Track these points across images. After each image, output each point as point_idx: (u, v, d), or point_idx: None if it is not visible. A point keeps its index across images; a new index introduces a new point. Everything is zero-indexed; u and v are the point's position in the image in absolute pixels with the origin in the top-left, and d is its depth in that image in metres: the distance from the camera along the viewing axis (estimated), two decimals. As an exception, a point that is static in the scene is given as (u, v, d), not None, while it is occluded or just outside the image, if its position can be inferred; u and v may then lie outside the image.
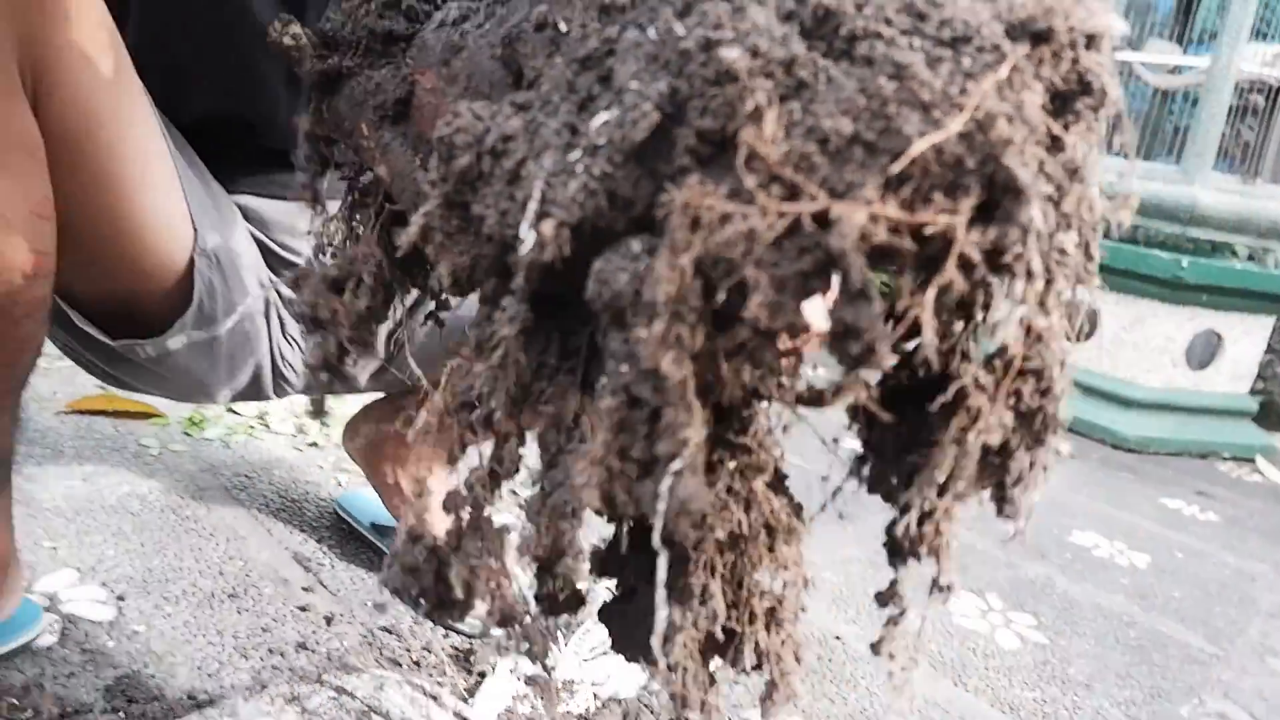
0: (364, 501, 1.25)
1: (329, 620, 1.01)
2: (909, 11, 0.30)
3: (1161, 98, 3.16)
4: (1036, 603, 1.46)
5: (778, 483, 0.42)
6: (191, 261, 0.80)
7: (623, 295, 0.29)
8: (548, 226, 0.31)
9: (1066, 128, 0.30)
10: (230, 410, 1.57)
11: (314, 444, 1.53)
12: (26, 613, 0.86)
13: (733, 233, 0.27)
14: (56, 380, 1.53)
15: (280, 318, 0.93)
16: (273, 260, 0.94)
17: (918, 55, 0.28)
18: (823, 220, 0.27)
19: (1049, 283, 0.30)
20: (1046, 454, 0.35)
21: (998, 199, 0.28)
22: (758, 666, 0.42)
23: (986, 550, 1.67)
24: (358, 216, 0.56)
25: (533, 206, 0.32)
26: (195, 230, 0.80)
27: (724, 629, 0.40)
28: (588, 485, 0.30)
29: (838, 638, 1.20)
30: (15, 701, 0.77)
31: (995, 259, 0.28)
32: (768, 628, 0.41)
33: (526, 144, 0.34)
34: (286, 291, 0.92)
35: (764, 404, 0.40)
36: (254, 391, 0.95)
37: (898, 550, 0.39)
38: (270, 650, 0.94)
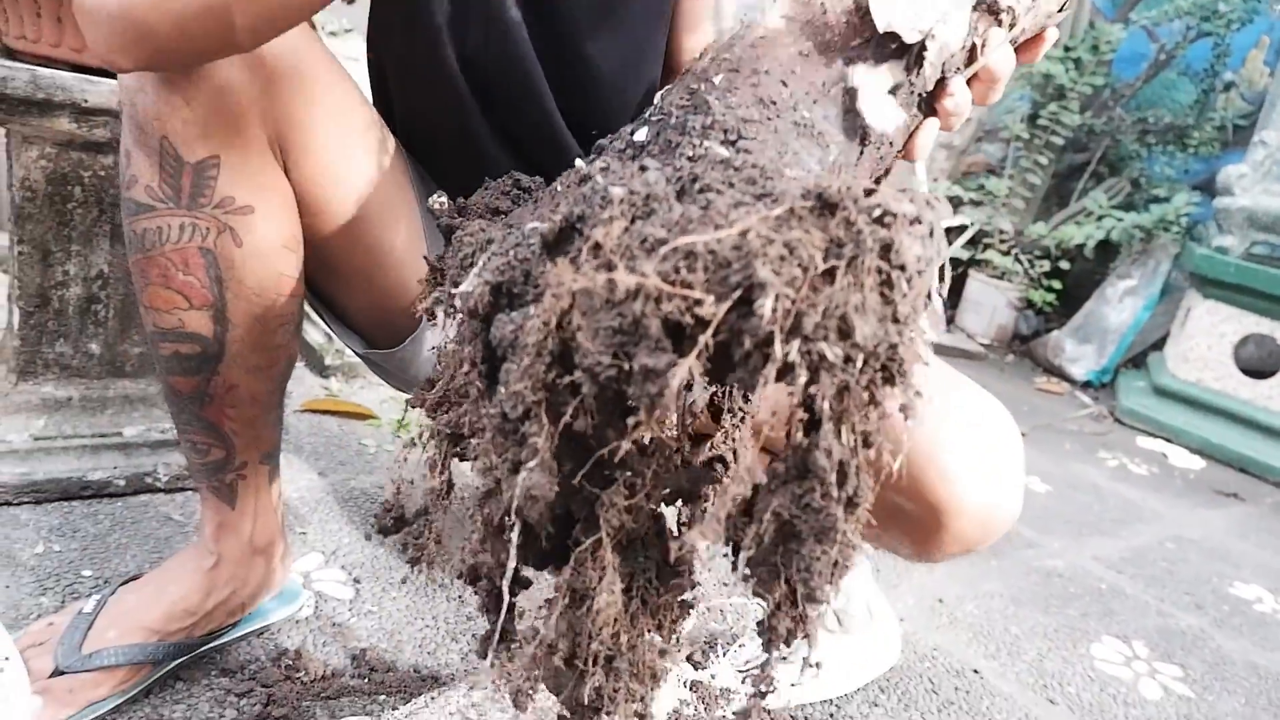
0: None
1: (520, 614, 1.18)
2: (747, 180, 0.44)
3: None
4: (1186, 655, 1.48)
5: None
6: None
7: (506, 340, 0.44)
8: (475, 282, 0.48)
9: (834, 269, 0.40)
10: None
11: (503, 449, 1.72)
12: (293, 588, 1.06)
13: (580, 292, 0.40)
14: (292, 381, 1.78)
15: None
16: None
17: (728, 200, 0.41)
18: (631, 293, 0.39)
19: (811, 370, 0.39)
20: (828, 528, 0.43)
21: (753, 298, 0.38)
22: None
23: (1137, 595, 1.68)
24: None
25: (477, 266, 0.49)
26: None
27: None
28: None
29: (975, 671, 1.28)
30: (291, 663, 0.97)
31: (745, 339, 0.38)
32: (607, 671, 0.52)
33: (498, 241, 0.51)
34: None
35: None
36: None
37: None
38: (474, 636, 1.11)
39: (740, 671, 1.11)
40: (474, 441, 0.52)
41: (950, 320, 3.98)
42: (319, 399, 1.73)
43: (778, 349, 0.38)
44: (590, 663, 0.49)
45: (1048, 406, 3.17)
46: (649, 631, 0.52)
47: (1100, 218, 3.77)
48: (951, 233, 3.89)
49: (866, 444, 0.42)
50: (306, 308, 0.94)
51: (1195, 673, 1.42)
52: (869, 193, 0.42)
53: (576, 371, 0.40)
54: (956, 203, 4.06)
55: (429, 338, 0.99)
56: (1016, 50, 0.63)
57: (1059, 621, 1.50)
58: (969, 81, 0.59)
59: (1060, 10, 0.64)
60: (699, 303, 0.38)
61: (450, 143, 0.97)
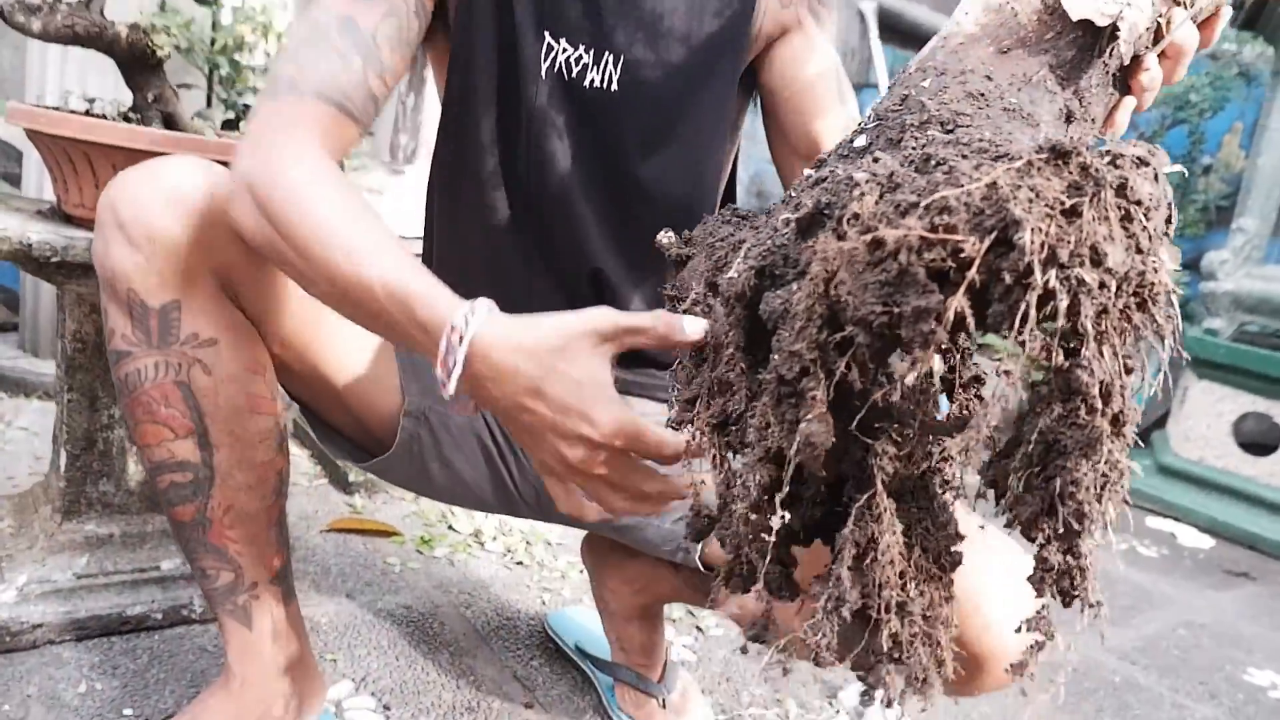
0: (570, 623, 1.46)
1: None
2: (979, 150, 0.49)
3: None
4: (1201, 747, 1.49)
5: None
6: (400, 416, 1.02)
7: (776, 312, 0.50)
8: (740, 268, 0.54)
9: (1079, 205, 0.44)
10: (451, 529, 1.84)
11: (520, 563, 1.76)
12: (325, 719, 1.10)
13: (845, 256, 0.46)
14: (317, 500, 1.85)
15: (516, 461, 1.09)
16: None
17: (969, 165, 0.47)
18: (897, 246, 0.44)
19: (1070, 301, 0.42)
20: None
21: (1010, 236, 0.43)
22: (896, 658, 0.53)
23: (1151, 687, 1.70)
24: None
25: (738, 259, 0.56)
26: (405, 396, 1.01)
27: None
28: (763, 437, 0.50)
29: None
30: (331, 797, 1.01)
31: (1007, 273, 0.42)
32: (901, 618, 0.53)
33: (750, 240, 0.58)
34: None
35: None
36: (483, 507, 1.13)
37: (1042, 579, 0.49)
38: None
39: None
40: (737, 428, 0.55)
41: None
42: (343, 517, 1.79)
43: (1038, 276, 0.41)
44: (883, 610, 0.51)
45: (1054, 489, 3.20)
46: (934, 577, 0.55)
47: (1093, 299, 3.86)
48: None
49: (1128, 370, 0.45)
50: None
51: (1212, 766, 1.44)
52: (1105, 150, 0.47)
53: (848, 327, 0.45)
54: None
55: (400, 465, 1.04)
56: (1201, 27, 0.67)
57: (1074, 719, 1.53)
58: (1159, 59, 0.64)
59: None
60: (960, 247, 0.43)
61: (489, 277, 1.03)
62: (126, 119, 1.33)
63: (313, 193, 0.74)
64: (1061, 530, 0.46)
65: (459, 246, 1.07)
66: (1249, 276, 2.93)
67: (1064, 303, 0.42)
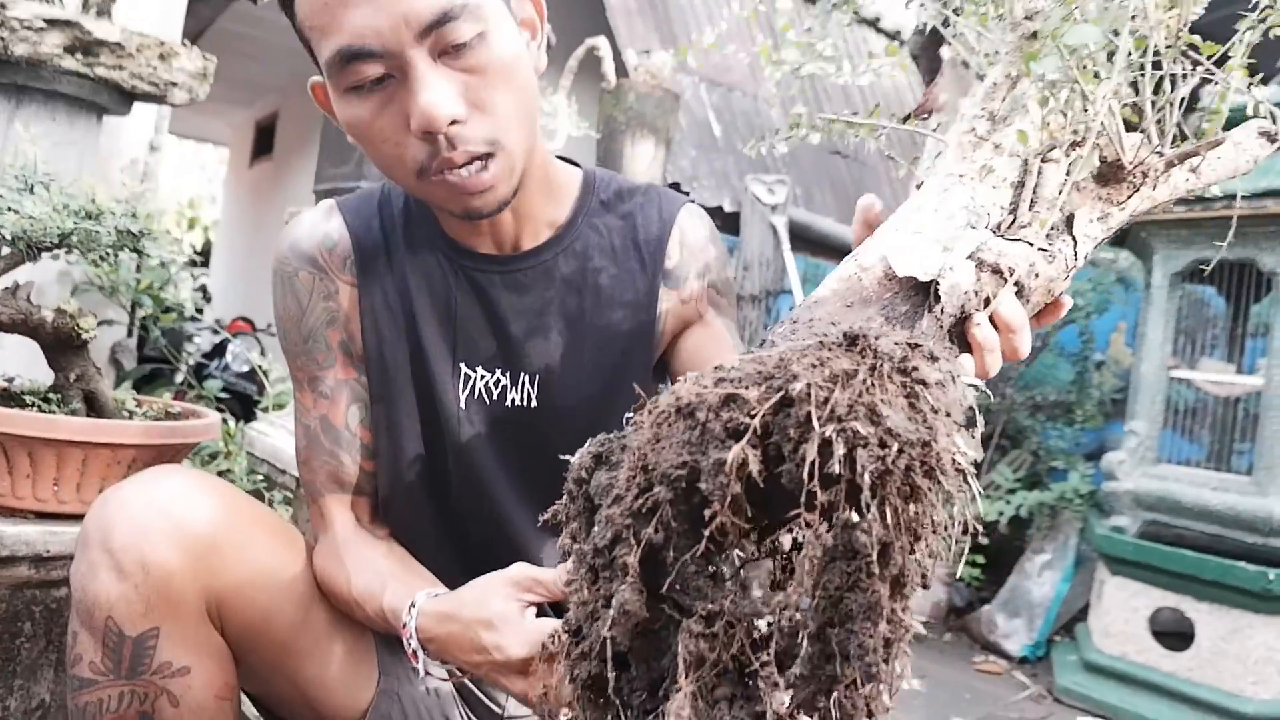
0: None
1: None
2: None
3: (1225, 403, 3.30)
4: None
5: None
6: (374, 699, 1.02)
7: (601, 487, 0.54)
8: (582, 453, 0.59)
9: (858, 370, 0.48)
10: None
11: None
12: None
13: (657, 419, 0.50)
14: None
15: None
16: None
17: (782, 346, 0.52)
18: (695, 404, 0.49)
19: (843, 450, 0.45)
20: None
21: (791, 392, 0.46)
22: None
23: None
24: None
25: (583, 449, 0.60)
26: (381, 675, 1.03)
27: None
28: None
29: None
30: None
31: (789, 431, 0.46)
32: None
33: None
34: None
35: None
36: None
37: None
38: None
39: None
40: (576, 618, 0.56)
41: (884, 598, 4.06)
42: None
43: (816, 426, 0.44)
44: None
45: (989, 690, 3.21)
46: None
47: (1009, 490, 4.00)
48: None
49: (914, 535, 0.46)
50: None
51: None
52: (895, 339, 0.51)
53: (656, 487, 0.49)
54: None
55: None
56: (1039, 315, 0.73)
57: None
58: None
59: (1065, 279, 0.74)
60: (751, 407, 0.47)
61: (415, 539, 1.08)
62: (47, 399, 1.36)
63: (338, 567, 0.99)
64: (850, 686, 0.46)
65: (403, 532, 1.11)
66: (1146, 476, 3.08)
67: (840, 450, 0.44)
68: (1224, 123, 0.77)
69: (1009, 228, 0.72)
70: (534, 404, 1.03)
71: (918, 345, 0.52)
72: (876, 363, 0.49)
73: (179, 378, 4.46)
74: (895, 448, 0.45)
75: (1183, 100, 0.74)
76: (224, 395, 3.65)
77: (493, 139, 0.86)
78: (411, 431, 1.03)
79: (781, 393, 0.47)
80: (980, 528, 0.52)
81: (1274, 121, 0.82)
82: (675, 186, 4.77)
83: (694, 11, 5.79)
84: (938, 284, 0.66)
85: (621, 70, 3.91)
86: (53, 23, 1.97)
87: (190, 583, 0.85)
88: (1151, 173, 0.75)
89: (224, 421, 3.39)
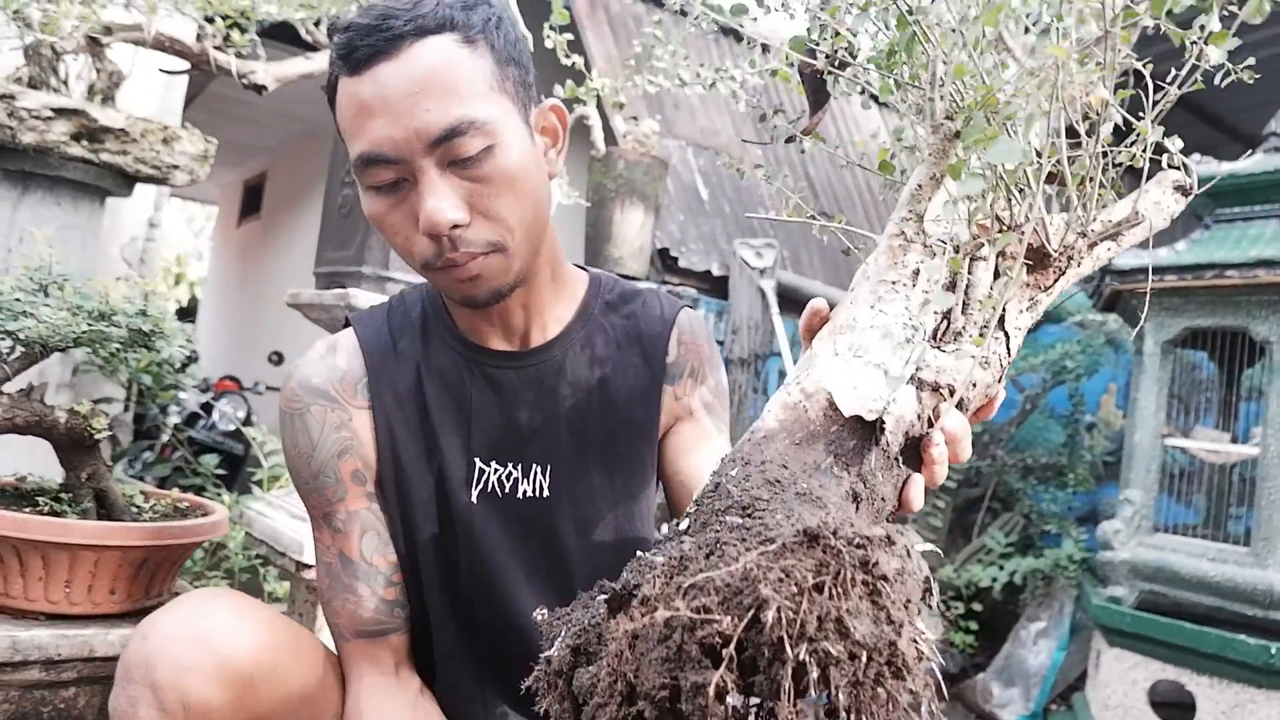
0: None
1: None
2: (756, 535, 0.55)
3: (1219, 468, 3.33)
4: None
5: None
6: None
7: (585, 687, 0.53)
8: (559, 645, 0.58)
9: (823, 582, 0.49)
10: None
11: None
12: None
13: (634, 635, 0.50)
14: None
15: None
16: None
17: (739, 549, 0.52)
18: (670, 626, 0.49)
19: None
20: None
21: (761, 614, 0.47)
22: None
23: None
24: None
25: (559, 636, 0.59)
26: None
27: None
28: None
29: None
30: None
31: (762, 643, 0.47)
32: None
33: (576, 615, 0.61)
34: None
35: None
36: None
37: None
38: None
39: None
40: None
41: (880, 665, 4.03)
42: None
43: (789, 650, 0.46)
44: None
45: (987, 762, 3.18)
46: None
47: (1002, 555, 4.00)
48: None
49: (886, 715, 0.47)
50: None
51: None
52: (852, 526, 0.51)
53: (639, 701, 0.49)
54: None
55: None
56: (975, 413, 0.75)
57: None
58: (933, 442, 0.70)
59: (999, 381, 0.76)
60: (720, 624, 0.48)
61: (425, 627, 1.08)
62: (58, 499, 1.35)
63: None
64: None
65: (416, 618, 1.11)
66: (1142, 545, 3.09)
67: (815, 673, 0.46)
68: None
69: (944, 335, 0.74)
70: (545, 494, 1.06)
71: (873, 538, 0.54)
72: (839, 568, 0.51)
73: (165, 436, 4.43)
74: (864, 658, 0.47)
75: (1106, 165, 0.74)
76: (212, 456, 3.61)
77: (494, 242, 0.92)
78: (424, 522, 1.05)
79: (752, 612, 0.49)
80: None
81: (1187, 173, 0.84)
82: (664, 252, 4.81)
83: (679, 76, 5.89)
84: (883, 420, 0.68)
85: (610, 137, 3.96)
86: (60, 111, 1.99)
87: (229, 717, 0.84)
88: (1077, 255, 0.77)
89: (219, 495, 3.36)
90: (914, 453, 0.72)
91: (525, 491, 1.06)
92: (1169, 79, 0.71)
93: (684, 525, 0.67)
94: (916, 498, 0.74)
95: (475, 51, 0.90)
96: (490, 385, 1.05)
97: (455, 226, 0.89)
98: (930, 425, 0.72)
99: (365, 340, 1.07)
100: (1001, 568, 3.89)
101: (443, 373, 1.06)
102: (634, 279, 3.58)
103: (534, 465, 1.06)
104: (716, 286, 4.98)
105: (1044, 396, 4.37)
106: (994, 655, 3.88)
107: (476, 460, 1.04)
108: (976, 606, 3.99)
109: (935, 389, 0.71)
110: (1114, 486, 3.88)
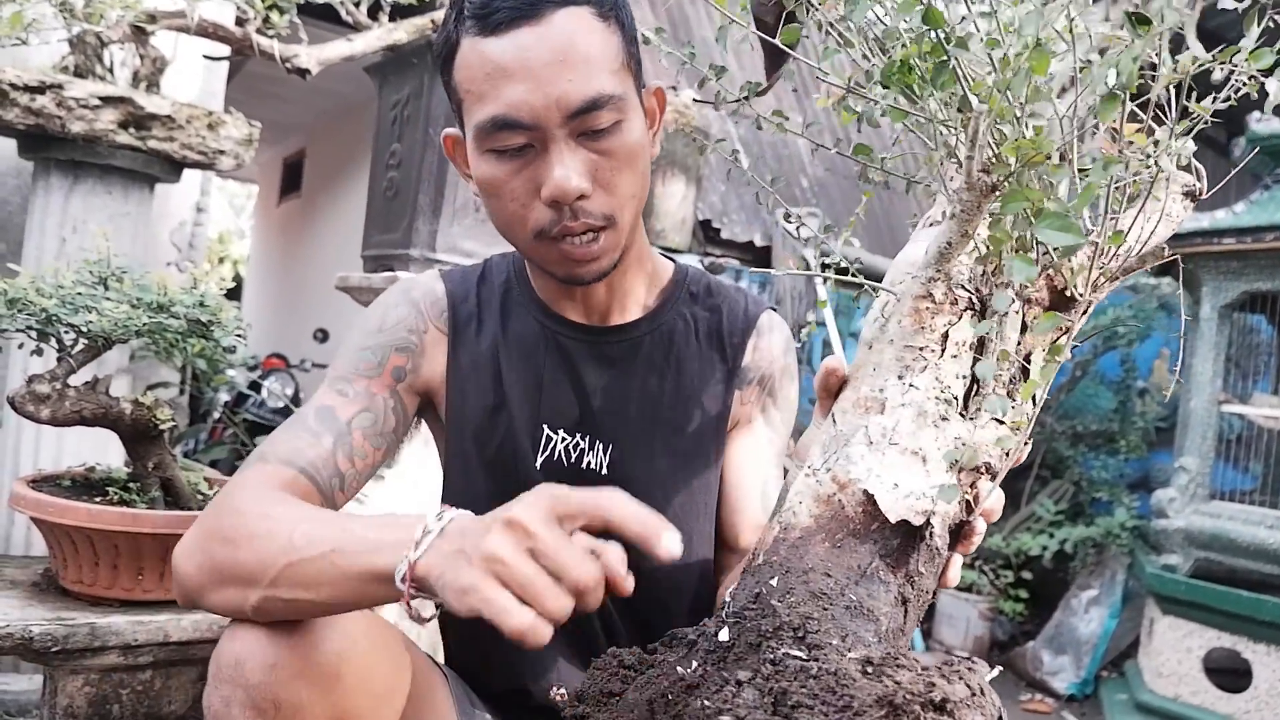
0: None
1: None
2: (827, 689, 0.56)
3: (1276, 434, 3.25)
4: None
5: None
6: None
7: None
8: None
9: None
10: None
11: None
12: None
13: None
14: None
15: None
16: None
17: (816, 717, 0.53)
18: None
19: None
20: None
21: None
22: None
23: None
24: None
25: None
26: None
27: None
28: None
29: None
30: None
31: None
32: None
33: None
34: None
35: None
36: None
37: None
38: None
39: None
40: None
41: (928, 634, 4.02)
42: None
43: None
44: None
45: (1039, 730, 3.17)
46: None
47: (1051, 523, 3.95)
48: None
49: None
50: None
51: None
52: (929, 685, 0.52)
53: None
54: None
55: None
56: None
57: None
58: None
59: (1027, 441, 0.74)
60: None
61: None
62: (126, 488, 1.38)
63: (259, 507, 0.83)
64: None
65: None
66: (1198, 514, 3.04)
67: None
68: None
69: (973, 398, 0.72)
70: (605, 471, 1.07)
71: (957, 701, 0.54)
72: None
73: (216, 414, 4.49)
74: None
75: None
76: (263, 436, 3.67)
77: (609, 214, 0.94)
78: (485, 489, 1.05)
79: None
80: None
81: (1198, 178, 0.82)
82: (706, 224, 4.77)
83: (718, 46, 5.80)
84: (930, 521, 0.68)
85: (650, 109, 3.93)
86: (107, 100, 2.00)
87: (319, 715, 0.86)
88: (1098, 291, 0.75)
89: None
90: (954, 536, 0.73)
91: (589, 463, 1.07)
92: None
93: (725, 635, 0.65)
94: (955, 576, 0.75)
95: (609, 27, 0.92)
96: (564, 356, 1.07)
97: (580, 197, 0.91)
98: (970, 509, 0.71)
99: (454, 299, 1.09)
100: (1052, 535, 3.85)
101: (521, 340, 1.08)
102: (678, 252, 3.56)
103: (599, 441, 1.07)
104: (759, 257, 4.94)
105: (1094, 362, 4.29)
106: (1044, 623, 3.86)
107: (545, 427, 1.05)
108: (1026, 575, 3.96)
109: (974, 469, 0.70)
110: (1166, 453, 3.82)
